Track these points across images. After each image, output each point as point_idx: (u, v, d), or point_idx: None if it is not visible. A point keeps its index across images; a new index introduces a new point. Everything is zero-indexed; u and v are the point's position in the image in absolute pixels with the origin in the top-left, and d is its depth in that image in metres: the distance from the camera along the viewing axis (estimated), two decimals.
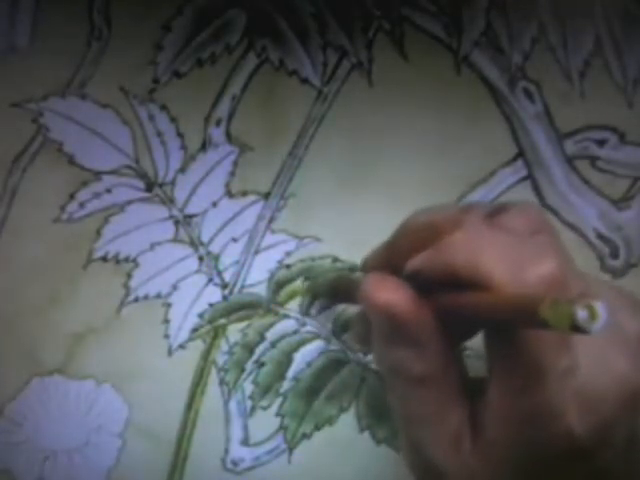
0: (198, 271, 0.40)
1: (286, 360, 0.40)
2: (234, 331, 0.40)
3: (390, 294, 0.28)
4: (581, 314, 0.21)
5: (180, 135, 0.39)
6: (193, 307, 0.40)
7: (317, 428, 0.40)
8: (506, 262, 0.26)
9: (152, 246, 0.39)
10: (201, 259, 0.40)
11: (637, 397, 0.26)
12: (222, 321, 0.40)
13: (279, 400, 0.40)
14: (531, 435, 0.26)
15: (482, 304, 0.26)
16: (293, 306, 0.40)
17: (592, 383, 0.26)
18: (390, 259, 0.30)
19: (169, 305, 0.39)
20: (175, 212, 0.39)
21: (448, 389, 0.28)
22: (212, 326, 0.40)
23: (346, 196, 0.40)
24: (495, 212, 0.28)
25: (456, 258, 0.27)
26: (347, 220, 0.40)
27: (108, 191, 0.39)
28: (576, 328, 0.22)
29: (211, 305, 0.40)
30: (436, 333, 0.28)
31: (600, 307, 0.21)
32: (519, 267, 0.26)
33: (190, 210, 0.40)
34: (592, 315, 0.21)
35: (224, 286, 0.40)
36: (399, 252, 0.29)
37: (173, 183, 0.39)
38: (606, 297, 0.25)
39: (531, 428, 0.26)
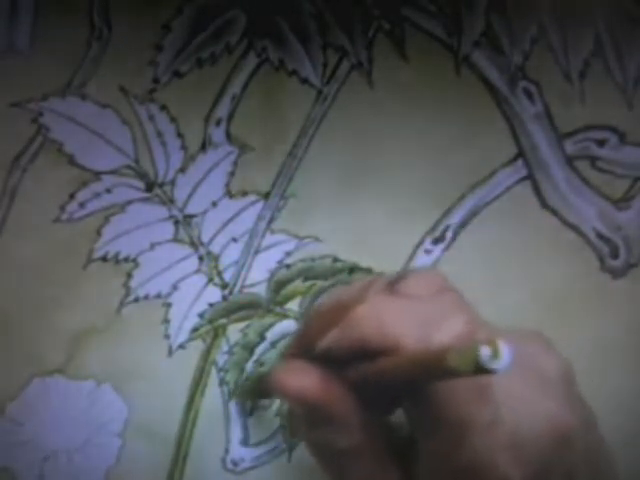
0: (198, 271, 0.40)
1: None
2: (234, 331, 0.40)
3: (298, 381, 0.28)
4: (484, 353, 0.22)
5: (180, 135, 0.39)
6: (193, 307, 0.40)
7: None
8: (412, 326, 0.27)
9: (152, 246, 0.39)
10: (201, 259, 0.40)
11: (568, 436, 0.27)
12: (222, 321, 0.40)
13: (279, 400, 0.40)
14: None
15: (391, 368, 0.26)
16: (293, 306, 0.40)
17: (522, 430, 0.26)
18: (303, 345, 0.31)
19: (169, 305, 0.39)
20: (175, 212, 0.39)
21: (378, 455, 0.29)
22: (212, 326, 0.40)
23: (346, 196, 0.40)
24: (394, 281, 0.29)
25: (362, 330, 0.27)
26: (347, 220, 0.40)
27: (108, 191, 0.39)
28: (482, 369, 0.22)
29: (211, 305, 0.40)
30: (353, 407, 0.28)
31: (501, 344, 0.22)
32: (426, 329, 0.27)
33: (190, 210, 0.40)
34: (495, 353, 0.22)
35: (224, 286, 0.40)
36: (310, 336, 0.30)
37: (173, 183, 0.39)
38: (517, 343, 0.26)
39: None
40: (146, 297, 0.39)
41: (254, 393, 0.39)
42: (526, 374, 0.27)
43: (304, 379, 0.28)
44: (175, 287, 0.39)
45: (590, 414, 0.29)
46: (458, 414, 0.26)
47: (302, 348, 0.30)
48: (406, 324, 0.27)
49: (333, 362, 0.28)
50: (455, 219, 0.40)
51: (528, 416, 0.26)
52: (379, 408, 0.29)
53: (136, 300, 0.39)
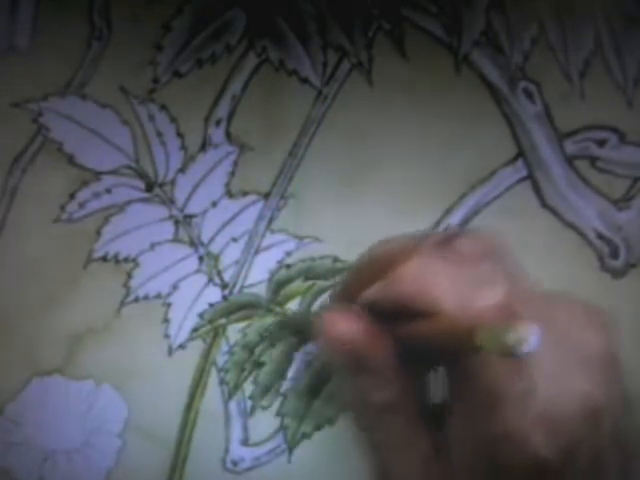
0: (198, 271, 0.40)
1: (286, 360, 0.40)
2: (234, 331, 0.40)
3: (344, 326, 0.28)
4: (510, 338, 0.22)
5: (180, 135, 0.39)
6: (193, 307, 0.40)
7: (317, 428, 0.40)
8: (455, 290, 0.27)
9: (152, 246, 0.39)
10: (201, 259, 0.40)
11: (599, 413, 0.27)
12: (222, 321, 0.40)
13: (279, 400, 0.40)
14: (497, 460, 0.26)
15: (427, 332, 0.27)
16: (293, 306, 0.40)
17: (553, 405, 0.26)
18: (349, 292, 0.31)
19: (169, 305, 0.39)
20: (175, 212, 0.39)
21: (413, 415, 0.28)
22: (212, 326, 0.40)
23: (346, 196, 0.40)
24: (447, 240, 0.29)
25: (407, 288, 0.27)
26: (347, 220, 0.40)
27: (108, 191, 0.39)
28: (508, 352, 0.22)
29: (211, 305, 0.40)
30: (394, 361, 0.28)
31: (529, 329, 0.22)
32: (468, 295, 0.26)
33: (190, 210, 0.40)
34: (522, 338, 0.22)
35: (224, 286, 0.40)
36: (357, 284, 0.30)
37: (173, 183, 0.39)
38: (562, 314, 0.26)
39: (496, 453, 0.26)
40: (146, 297, 0.39)
41: (297, 330, 0.39)
42: (564, 348, 0.27)
43: (350, 325, 0.28)
44: (175, 287, 0.39)
45: (627, 397, 0.29)
46: (492, 383, 0.26)
47: (348, 296, 0.30)
48: (448, 288, 0.27)
49: (376, 315, 0.28)
50: (455, 219, 0.40)
51: (561, 391, 0.26)
52: (417, 367, 0.29)
53: (136, 300, 0.39)
